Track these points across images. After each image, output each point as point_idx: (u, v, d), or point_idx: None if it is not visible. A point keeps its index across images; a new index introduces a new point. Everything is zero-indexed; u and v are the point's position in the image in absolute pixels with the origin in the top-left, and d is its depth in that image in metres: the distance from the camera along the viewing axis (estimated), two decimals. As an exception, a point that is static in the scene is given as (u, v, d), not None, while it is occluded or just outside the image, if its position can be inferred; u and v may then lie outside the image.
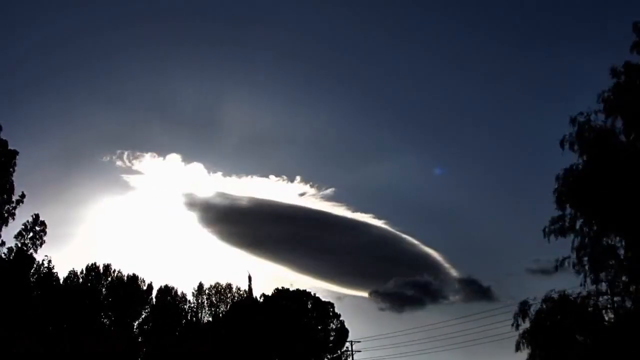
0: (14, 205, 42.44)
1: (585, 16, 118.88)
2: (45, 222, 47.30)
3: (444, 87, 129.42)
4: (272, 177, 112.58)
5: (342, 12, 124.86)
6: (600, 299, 23.58)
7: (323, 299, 72.07)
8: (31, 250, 47.58)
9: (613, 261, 22.87)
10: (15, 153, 41.69)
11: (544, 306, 23.00)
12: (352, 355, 70.14)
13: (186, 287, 71.62)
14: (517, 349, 23.40)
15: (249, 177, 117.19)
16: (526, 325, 23.05)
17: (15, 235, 45.58)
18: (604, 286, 23.46)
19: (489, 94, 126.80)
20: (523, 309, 23.24)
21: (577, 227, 23.57)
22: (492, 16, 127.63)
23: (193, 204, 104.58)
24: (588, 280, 22.92)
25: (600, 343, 22.61)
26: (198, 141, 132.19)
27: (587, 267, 23.04)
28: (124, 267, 72.29)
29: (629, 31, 24.35)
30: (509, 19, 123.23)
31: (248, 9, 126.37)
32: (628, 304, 22.99)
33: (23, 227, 46.67)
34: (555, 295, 23.30)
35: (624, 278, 23.07)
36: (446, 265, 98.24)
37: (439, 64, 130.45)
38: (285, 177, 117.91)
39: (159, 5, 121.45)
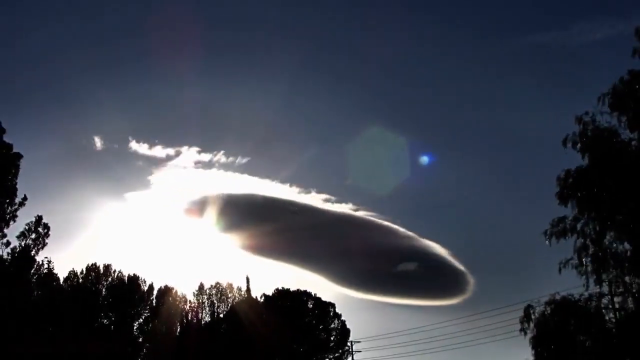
0: (16, 207, 42.49)
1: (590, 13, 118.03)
2: (48, 224, 47.06)
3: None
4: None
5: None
6: (604, 300, 23.71)
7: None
8: (33, 252, 47.55)
9: (614, 261, 22.93)
10: (19, 156, 41.67)
11: (547, 309, 23.18)
12: (352, 355, 70.37)
13: (190, 288, 71.05)
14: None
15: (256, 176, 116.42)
16: (532, 327, 23.25)
17: (17, 236, 45.52)
18: (605, 287, 23.57)
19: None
20: (528, 312, 23.43)
21: (579, 228, 23.62)
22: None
23: (199, 203, 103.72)
24: (591, 281, 23.00)
25: (602, 344, 22.76)
26: (202, 140, 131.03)
27: (588, 269, 23.08)
28: (131, 269, 71.85)
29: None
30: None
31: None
32: (630, 304, 23.07)
33: (26, 227, 46.53)
34: (558, 297, 23.46)
35: (626, 278, 23.16)
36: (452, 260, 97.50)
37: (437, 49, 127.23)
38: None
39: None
